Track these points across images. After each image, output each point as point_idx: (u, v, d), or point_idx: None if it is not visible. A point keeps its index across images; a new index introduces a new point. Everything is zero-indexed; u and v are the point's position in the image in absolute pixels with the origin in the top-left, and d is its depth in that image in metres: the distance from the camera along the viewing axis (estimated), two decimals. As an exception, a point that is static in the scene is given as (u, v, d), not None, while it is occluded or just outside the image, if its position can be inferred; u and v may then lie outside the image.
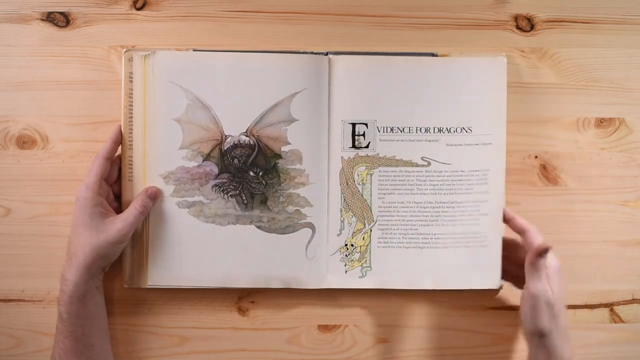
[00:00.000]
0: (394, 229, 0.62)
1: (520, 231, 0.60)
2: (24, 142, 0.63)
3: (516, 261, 0.61)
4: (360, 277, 0.62)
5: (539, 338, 0.56)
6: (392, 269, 0.62)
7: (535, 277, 0.56)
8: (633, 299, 0.65)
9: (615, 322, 0.65)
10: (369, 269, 0.62)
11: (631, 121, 0.65)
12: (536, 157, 0.65)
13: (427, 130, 0.62)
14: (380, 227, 0.62)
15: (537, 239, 0.58)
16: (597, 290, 0.65)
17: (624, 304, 0.65)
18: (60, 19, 0.63)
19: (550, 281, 0.56)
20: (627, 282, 0.65)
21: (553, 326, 0.55)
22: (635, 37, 0.65)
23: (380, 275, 0.63)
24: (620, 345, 0.65)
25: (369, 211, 0.62)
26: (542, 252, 0.56)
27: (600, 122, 0.65)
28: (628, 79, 0.65)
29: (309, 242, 0.62)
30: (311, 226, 0.62)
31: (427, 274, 0.63)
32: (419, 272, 0.63)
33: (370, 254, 0.62)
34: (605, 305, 0.65)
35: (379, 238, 0.62)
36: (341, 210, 0.62)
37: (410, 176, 0.62)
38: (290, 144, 0.62)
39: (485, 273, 0.63)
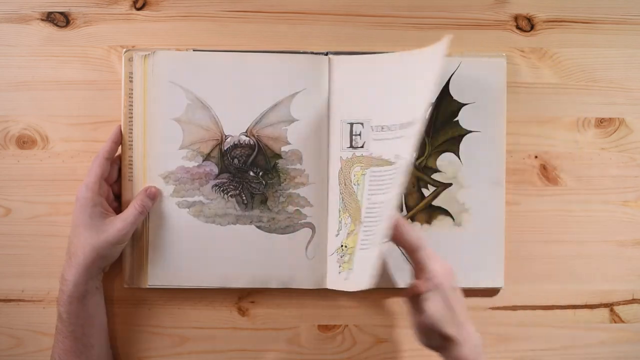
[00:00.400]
0: (375, 230, 0.59)
1: (410, 249, 0.56)
2: (24, 142, 0.63)
3: None
4: (345, 279, 0.61)
5: (437, 352, 0.55)
6: (367, 271, 0.59)
7: (418, 310, 0.55)
8: (633, 299, 0.65)
9: (615, 322, 0.65)
10: (352, 270, 0.61)
11: (631, 121, 0.65)
12: (536, 157, 0.65)
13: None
14: (364, 228, 0.60)
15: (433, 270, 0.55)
16: (597, 290, 0.65)
17: (624, 304, 0.65)
18: (60, 19, 0.63)
19: (435, 301, 0.54)
20: (627, 282, 0.65)
21: (446, 341, 0.53)
22: (635, 37, 0.65)
23: (358, 277, 0.59)
24: (620, 345, 0.65)
25: (359, 212, 0.61)
26: (418, 295, 0.54)
27: (600, 122, 0.65)
28: (628, 79, 0.65)
29: (309, 242, 0.62)
30: (311, 226, 0.62)
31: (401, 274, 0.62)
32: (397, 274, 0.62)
33: (354, 256, 0.61)
34: (605, 305, 0.65)
35: (362, 240, 0.60)
36: (339, 211, 0.62)
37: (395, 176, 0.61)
38: (290, 144, 0.62)
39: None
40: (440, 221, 0.63)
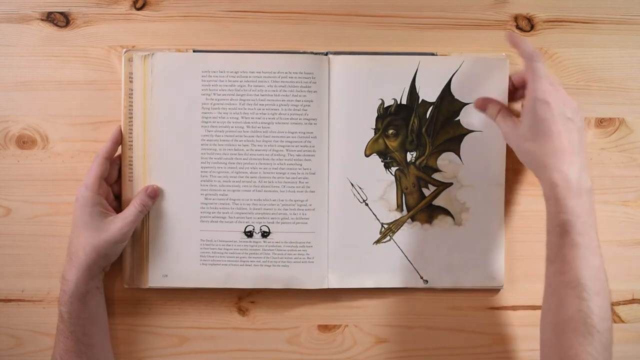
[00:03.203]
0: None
1: (527, 58, 0.56)
2: (24, 142, 0.63)
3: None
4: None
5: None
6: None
7: (536, 81, 0.54)
8: (633, 299, 0.65)
9: (615, 322, 0.65)
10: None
11: (631, 121, 0.65)
12: (536, 157, 0.64)
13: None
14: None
15: (529, 47, 0.55)
16: (597, 290, 0.65)
17: (624, 304, 0.65)
18: (60, 19, 0.63)
19: (529, 114, 0.54)
20: (627, 282, 0.65)
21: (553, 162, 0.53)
22: (635, 37, 0.65)
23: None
24: (620, 345, 0.65)
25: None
26: (534, 55, 0.54)
27: (600, 122, 0.65)
28: (628, 79, 0.65)
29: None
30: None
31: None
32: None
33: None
34: (605, 305, 0.65)
35: None
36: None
37: None
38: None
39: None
40: (441, 221, 0.63)
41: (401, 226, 0.63)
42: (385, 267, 0.63)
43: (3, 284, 0.63)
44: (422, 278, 0.62)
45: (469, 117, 0.62)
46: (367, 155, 0.62)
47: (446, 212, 0.63)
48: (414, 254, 0.63)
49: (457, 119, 0.63)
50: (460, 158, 0.63)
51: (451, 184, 0.63)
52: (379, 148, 0.62)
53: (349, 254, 0.62)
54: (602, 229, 0.64)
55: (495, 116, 0.59)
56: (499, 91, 0.62)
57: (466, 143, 0.63)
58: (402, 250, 0.62)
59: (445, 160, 0.63)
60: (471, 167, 0.63)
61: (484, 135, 0.62)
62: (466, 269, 0.63)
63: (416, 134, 0.62)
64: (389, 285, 0.63)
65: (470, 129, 0.62)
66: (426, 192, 0.63)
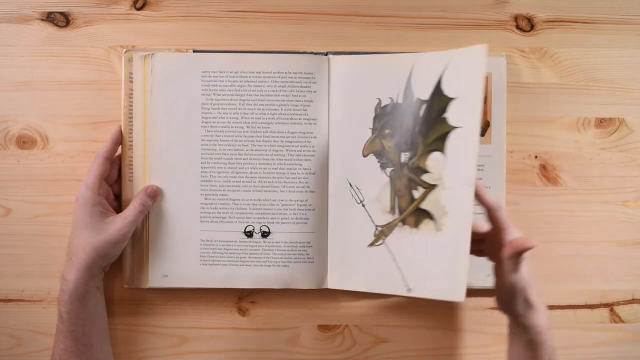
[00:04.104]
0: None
1: (490, 208, 0.56)
2: (24, 142, 0.63)
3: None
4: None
5: (515, 318, 0.56)
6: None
7: (513, 270, 0.55)
8: (633, 299, 0.65)
9: (615, 322, 0.65)
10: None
11: (631, 121, 0.65)
12: (536, 157, 0.65)
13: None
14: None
15: (515, 233, 0.55)
16: (597, 290, 0.65)
17: (624, 304, 0.65)
18: (60, 19, 0.63)
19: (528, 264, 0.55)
20: (627, 282, 0.65)
21: (527, 307, 0.55)
22: (635, 37, 0.65)
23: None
24: (620, 345, 0.65)
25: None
26: (525, 251, 0.54)
27: (600, 122, 0.65)
28: (628, 79, 0.65)
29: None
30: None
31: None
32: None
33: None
34: (605, 305, 0.65)
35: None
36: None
37: None
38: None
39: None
40: (425, 225, 0.60)
41: (393, 229, 0.60)
42: (376, 272, 0.60)
43: (3, 284, 0.63)
44: (407, 286, 0.59)
45: (455, 113, 0.57)
46: (364, 156, 0.62)
47: (429, 216, 0.58)
48: (402, 259, 0.59)
49: (444, 115, 0.57)
50: (446, 157, 0.57)
51: (435, 185, 0.58)
52: (375, 148, 0.61)
53: (347, 255, 0.62)
54: (602, 229, 0.64)
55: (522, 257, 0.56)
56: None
57: (452, 141, 0.57)
58: (392, 255, 0.60)
59: (434, 160, 0.58)
60: (453, 167, 0.57)
61: (466, 132, 0.57)
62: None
63: (410, 133, 0.59)
64: (379, 291, 0.61)
65: (454, 125, 0.57)
66: (416, 194, 0.59)
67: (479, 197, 0.56)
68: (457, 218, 0.56)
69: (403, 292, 0.59)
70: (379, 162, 0.61)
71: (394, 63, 0.61)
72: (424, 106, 0.59)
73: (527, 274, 0.55)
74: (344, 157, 0.62)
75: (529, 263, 0.55)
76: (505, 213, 0.56)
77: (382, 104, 0.61)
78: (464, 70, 0.57)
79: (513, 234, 0.55)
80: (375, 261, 0.61)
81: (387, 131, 0.60)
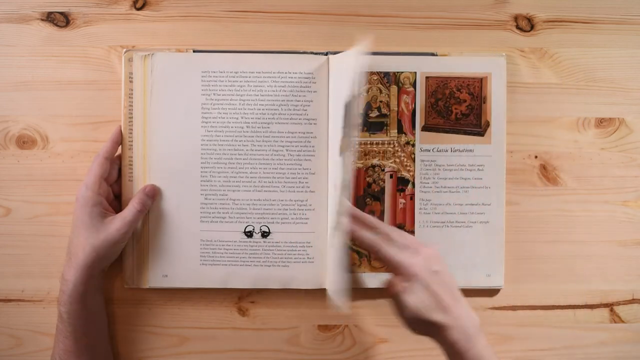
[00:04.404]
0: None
1: (369, 250, 0.57)
2: (24, 142, 0.63)
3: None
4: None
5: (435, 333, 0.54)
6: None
7: (397, 305, 0.54)
8: (633, 299, 0.65)
9: (615, 322, 0.65)
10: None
11: (631, 121, 0.65)
12: (536, 157, 0.65)
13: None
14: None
15: (404, 266, 0.54)
16: (597, 290, 0.65)
17: (624, 304, 0.65)
18: (60, 19, 0.63)
19: (414, 293, 0.53)
20: (627, 282, 0.65)
21: (431, 328, 0.53)
22: (635, 37, 0.65)
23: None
24: (620, 345, 0.65)
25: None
26: (375, 245, 0.54)
27: (600, 122, 0.65)
28: (628, 79, 0.65)
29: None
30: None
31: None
32: None
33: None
34: (605, 305, 0.65)
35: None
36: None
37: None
38: (290, 144, 0.62)
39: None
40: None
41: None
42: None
43: (3, 284, 0.63)
44: None
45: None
46: (340, 155, 0.62)
47: None
48: None
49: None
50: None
51: None
52: (343, 147, 0.61)
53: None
54: (602, 229, 0.64)
55: (400, 293, 0.54)
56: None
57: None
58: None
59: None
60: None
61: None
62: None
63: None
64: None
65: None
66: None
67: (356, 239, 0.56)
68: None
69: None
70: None
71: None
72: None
73: (419, 299, 0.53)
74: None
75: (414, 289, 0.53)
76: (389, 249, 0.54)
77: (345, 102, 0.61)
78: (347, 70, 0.57)
79: (402, 268, 0.53)
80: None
81: (345, 129, 0.61)
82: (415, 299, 0.53)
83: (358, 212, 0.57)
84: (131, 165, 0.62)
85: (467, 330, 0.52)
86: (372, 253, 0.56)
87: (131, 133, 0.61)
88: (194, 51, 0.62)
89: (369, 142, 0.63)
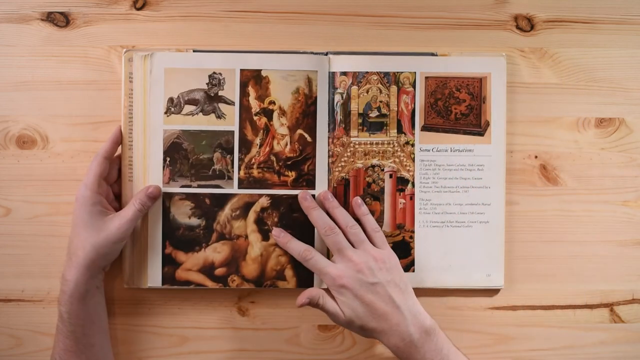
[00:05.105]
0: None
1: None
2: (24, 142, 0.63)
3: None
4: None
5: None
6: None
7: (322, 275, 0.57)
8: (633, 299, 0.65)
9: (615, 322, 0.65)
10: None
11: (631, 121, 0.65)
12: (536, 157, 0.65)
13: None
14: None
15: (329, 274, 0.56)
16: (597, 290, 0.65)
17: (624, 304, 0.65)
18: (60, 19, 0.63)
19: (343, 302, 0.56)
20: (627, 282, 0.65)
21: (368, 333, 0.56)
22: (635, 37, 0.65)
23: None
24: (620, 345, 0.65)
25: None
26: (304, 256, 0.58)
27: (600, 122, 0.65)
28: (628, 79, 0.65)
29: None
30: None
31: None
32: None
33: None
34: (605, 305, 0.65)
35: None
36: None
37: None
38: (290, 144, 0.62)
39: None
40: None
41: None
42: None
43: (3, 284, 0.63)
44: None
45: None
46: None
47: None
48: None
49: None
50: None
51: None
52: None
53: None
54: (602, 229, 0.64)
55: (321, 305, 0.57)
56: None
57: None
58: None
59: None
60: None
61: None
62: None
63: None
64: None
65: None
66: None
67: (289, 251, 0.60)
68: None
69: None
70: None
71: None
72: None
73: (350, 310, 0.55)
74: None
75: (344, 299, 0.55)
76: (318, 261, 0.57)
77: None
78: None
79: (330, 280, 0.56)
80: None
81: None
82: (346, 308, 0.55)
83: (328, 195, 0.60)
84: (131, 165, 0.62)
85: (408, 335, 0.54)
86: (302, 263, 0.59)
87: (131, 133, 0.61)
88: (194, 51, 0.62)
89: (368, 142, 0.63)
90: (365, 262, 0.56)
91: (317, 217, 0.59)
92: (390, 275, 0.56)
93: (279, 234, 0.60)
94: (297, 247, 0.59)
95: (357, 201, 0.61)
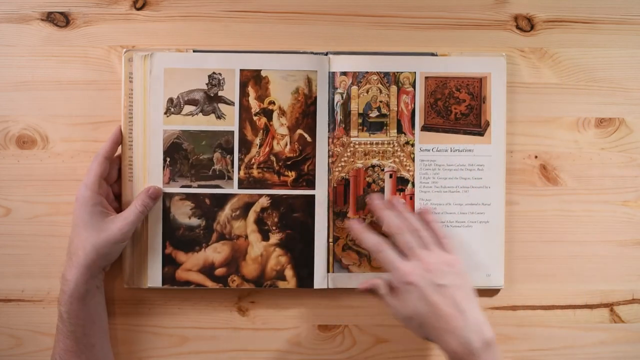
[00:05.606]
0: None
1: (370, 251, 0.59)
2: (24, 142, 0.63)
3: None
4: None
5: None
6: None
7: (391, 268, 0.56)
8: (633, 299, 0.65)
9: (615, 322, 0.65)
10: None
11: (631, 121, 0.65)
12: (536, 157, 0.65)
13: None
14: None
15: (397, 269, 0.55)
16: (597, 290, 0.65)
17: (624, 304, 0.65)
18: (60, 19, 0.63)
19: (407, 300, 0.55)
20: (627, 282, 0.65)
21: (425, 336, 0.55)
22: (635, 37, 0.65)
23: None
24: (620, 345, 0.65)
25: None
26: (377, 247, 0.57)
27: (600, 122, 0.65)
28: (628, 79, 0.65)
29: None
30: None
31: None
32: None
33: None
34: (605, 305, 0.65)
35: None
36: None
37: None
38: (290, 144, 0.62)
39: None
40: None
41: None
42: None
43: (3, 284, 0.63)
44: None
45: None
46: None
47: None
48: None
49: None
50: None
51: None
52: None
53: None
54: (602, 229, 0.64)
55: (382, 295, 0.56)
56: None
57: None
58: None
59: None
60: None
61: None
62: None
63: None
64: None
65: None
66: None
67: (360, 242, 0.59)
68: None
69: None
70: None
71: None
72: None
73: (412, 308, 0.54)
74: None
75: (409, 296, 0.54)
76: (389, 254, 0.56)
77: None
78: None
79: (399, 275, 0.55)
80: None
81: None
82: (409, 304, 0.54)
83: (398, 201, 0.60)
84: (131, 165, 0.62)
85: (468, 342, 0.52)
86: (372, 254, 0.57)
87: (131, 133, 0.61)
88: (194, 51, 0.62)
89: (368, 142, 0.63)
90: (436, 263, 0.55)
91: (387, 216, 0.58)
92: (459, 279, 0.55)
93: (355, 225, 0.59)
94: (370, 239, 0.57)
95: (427, 208, 0.61)
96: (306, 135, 0.62)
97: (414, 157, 0.63)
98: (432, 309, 0.53)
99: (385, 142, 0.63)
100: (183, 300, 0.64)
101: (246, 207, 0.62)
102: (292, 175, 0.62)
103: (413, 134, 0.63)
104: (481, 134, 0.63)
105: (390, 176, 0.63)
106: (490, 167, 0.63)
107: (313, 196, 0.62)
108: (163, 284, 0.62)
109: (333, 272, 0.63)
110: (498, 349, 0.53)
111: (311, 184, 0.62)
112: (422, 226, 0.58)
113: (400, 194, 0.63)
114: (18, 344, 0.63)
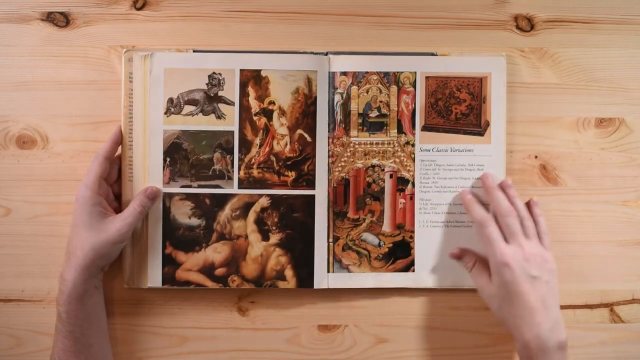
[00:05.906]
0: None
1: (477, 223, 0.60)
2: (24, 142, 0.63)
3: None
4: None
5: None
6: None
7: (493, 246, 0.57)
8: (633, 299, 0.65)
9: (615, 322, 0.65)
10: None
11: (631, 121, 0.65)
12: (536, 157, 0.65)
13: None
14: None
15: (496, 249, 0.57)
16: (597, 290, 0.65)
17: (624, 304, 0.65)
18: (60, 19, 0.63)
19: (494, 280, 0.57)
20: (627, 282, 0.65)
21: (524, 318, 0.55)
22: (635, 37, 0.65)
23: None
24: (620, 345, 0.65)
25: None
26: (485, 221, 0.58)
27: (600, 122, 0.65)
28: (628, 79, 0.65)
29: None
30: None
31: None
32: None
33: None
34: (605, 305, 0.65)
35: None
36: None
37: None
38: (290, 144, 0.62)
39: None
40: None
41: None
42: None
43: (3, 284, 0.63)
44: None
45: None
46: None
47: None
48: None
49: None
50: None
51: None
52: None
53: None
54: (602, 229, 0.64)
55: (470, 269, 0.60)
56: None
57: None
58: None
59: None
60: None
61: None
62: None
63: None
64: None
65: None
66: None
67: (469, 212, 0.60)
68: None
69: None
70: None
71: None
72: None
73: (493, 288, 0.56)
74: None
75: (495, 277, 0.56)
76: (493, 231, 0.57)
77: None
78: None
79: (497, 254, 0.56)
80: None
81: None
82: (497, 285, 0.56)
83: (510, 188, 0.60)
84: (131, 165, 0.62)
85: (544, 339, 0.53)
86: (477, 227, 0.59)
87: (131, 133, 0.61)
88: (194, 51, 0.62)
89: (368, 142, 0.63)
90: (534, 254, 0.56)
91: (499, 197, 0.59)
92: (550, 276, 0.56)
93: (467, 196, 0.60)
94: (479, 213, 0.59)
95: (535, 201, 0.61)
96: (306, 135, 0.62)
97: (414, 157, 0.63)
98: (520, 296, 0.54)
99: (386, 142, 0.63)
100: (183, 300, 0.64)
101: (246, 207, 0.62)
102: (292, 175, 0.62)
103: (413, 134, 0.63)
104: (481, 134, 0.63)
105: (391, 176, 0.63)
106: (490, 167, 0.63)
107: (313, 196, 0.62)
108: (163, 284, 0.62)
109: (333, 272, 0.63)
110: (567, 353, 0.54)
111: (311, 184, 0.62)
112: (527, 215, 0.59)
113: (400, 194, 0.63)
114: (18, 344, 0.63)
